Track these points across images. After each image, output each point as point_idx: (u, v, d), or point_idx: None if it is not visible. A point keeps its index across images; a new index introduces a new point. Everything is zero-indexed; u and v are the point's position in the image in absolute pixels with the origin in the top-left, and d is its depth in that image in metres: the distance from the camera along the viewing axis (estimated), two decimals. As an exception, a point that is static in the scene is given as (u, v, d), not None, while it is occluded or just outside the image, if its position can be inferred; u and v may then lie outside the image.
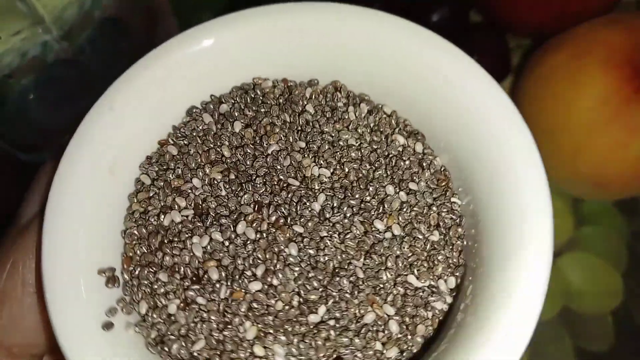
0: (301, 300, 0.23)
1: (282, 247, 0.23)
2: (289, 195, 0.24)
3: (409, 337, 0.23)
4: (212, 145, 0.26)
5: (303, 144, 0.25)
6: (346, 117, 0.26)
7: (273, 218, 0.24)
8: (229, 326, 0.23)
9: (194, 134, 0.26)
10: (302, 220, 0.24)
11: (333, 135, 0.26)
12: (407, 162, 0.26)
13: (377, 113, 0.27)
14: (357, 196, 0.24)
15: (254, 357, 0.23)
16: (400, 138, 0.26)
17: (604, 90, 0.30)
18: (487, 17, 0.42)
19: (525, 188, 0.22)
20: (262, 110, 0.26)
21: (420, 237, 0.24)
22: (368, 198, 0.24)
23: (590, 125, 0.31)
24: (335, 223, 0.24)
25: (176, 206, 0.25)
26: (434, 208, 0.25)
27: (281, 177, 0.25)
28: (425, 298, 0.23)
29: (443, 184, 0.25)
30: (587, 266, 0.38)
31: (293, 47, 0.26)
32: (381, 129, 0.26)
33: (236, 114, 0.26)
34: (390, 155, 0.26)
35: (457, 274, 0.24)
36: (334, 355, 0.23)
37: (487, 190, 0.24)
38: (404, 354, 0.23)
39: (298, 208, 0.24)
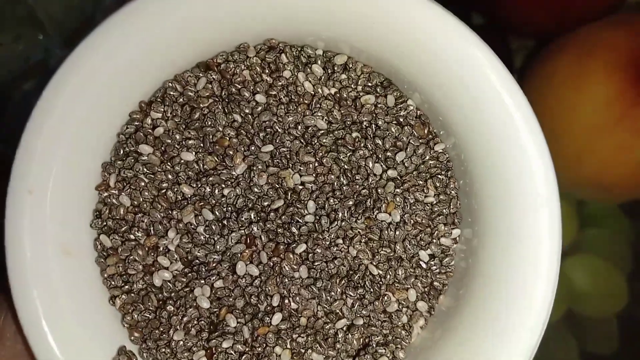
0: (325, 310, 0.23)
1: (291, 274, 0.23)
2: (279, 217, 0.23)
3: (432, 301, 0.24)
4: (167, 185, 0.23)
5: (270, 147, 0.23)
6: (302, 90, 0.23)
7: (270, 248, 0.23)
8: (262, 356, 0.23)
9: (137, 173, 0.23)
10: (301, 238, 0.23)
11: (298, 122, 0.23)
12: (384, 126, 0.23)
13: (332, 70, 0.24)
14: (348, 193, 0.23)
15: None
16: (370, 98, 0.24)
17: (608, 93, 0.30)
18: (489, 19, 0.42)
19: (512, 114, 0.21)
20: (209, 122, 0.23)
21: (419, 207, 0.24)
22: (359, 188, 0.23)
23: (594, 128, 0.31)
24: (338, 229, 0.23)
25: (158, 265, 0.23)
26: (423, 167, 0.24)
27: (265, 203, 0.23)
28: (438, 264, 0.24)
29: (425, 132, 0.24)
30: (591, 268, 0.37)
31: (213, 12, 0.22)
32: (345, 95, 0.24)
33: (177, 137, 0.23)
34: (365, 125, 0.24)
35: (457, 221, 0.24)
36: (367, 341, 0.24)
37: (471, 125, 0.22)
38: (429, 316, 0.24)
39: (293, 229, 0.23)
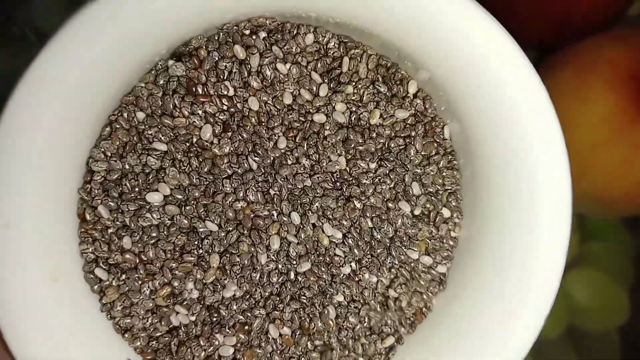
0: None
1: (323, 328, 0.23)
2: (310, 278, 0.23)
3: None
4: (186, 250, 0.22)
5: (298, 219, 0.22)
6: (314, 118, 0.22)
7: (306, 323, 0.23)
8: None
9: (141, 228, 0.22)
10: (335, 288, 0.23)
11: (322, 170, 0.22)
12: (399, 148, 0.23)
13: (337, 80, 0.22)
14: (379, 244, 0.23)
15: None
16: (376, 113, 0.23)
17: (608, 108, 0.30)
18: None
19: (524, 103, 0.21)
20: (217, 180, 0.22)
21: (443, 232, 0.24)
22: (389, 234, 0.23)
23: (594, 144, 0.30)
24: (373, 274, 0.23)
25: (174, 310, 0.22)
26: (440, 181, 0.23)
27: (299, 270, 0.22)
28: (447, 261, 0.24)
29: (431, 123, 0.23)
30: (592, 283, 0.37)
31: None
32: (355, 115, 0.23)
33: (186, 209, 0.22)
34: (382, 151, 0.23)
35: (459, 214, 0.24)
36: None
37: (482, 112, 0.22)
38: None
39: (327, 293, 0.23)
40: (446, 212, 0.24)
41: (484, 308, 0.22)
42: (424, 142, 0.23)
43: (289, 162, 0.22)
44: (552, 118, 0.21)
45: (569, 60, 0.33)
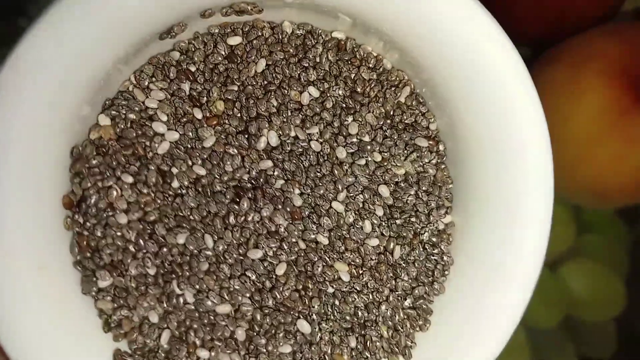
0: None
1: None
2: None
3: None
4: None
5: (354, 342, 0.24)
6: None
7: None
8: None
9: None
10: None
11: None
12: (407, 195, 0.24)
13: (347, 131, 0.23)
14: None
15: None
16: (402, 170, 0.24)
17: (602, 102, 0.30)
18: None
19: (513, 96, 0.21)
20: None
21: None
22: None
23: (588, 137, 0.31)
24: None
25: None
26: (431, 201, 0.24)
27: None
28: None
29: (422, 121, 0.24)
30: (589, 274, 0.37)
31: None
32: (375, 174, 0.23)
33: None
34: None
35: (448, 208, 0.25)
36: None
37: (470, 107, 0.22)
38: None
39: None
40: (453, 221, 0.25)
41: (472, 290, 0.23)
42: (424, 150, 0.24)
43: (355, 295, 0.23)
44: (539, 113, 0.22)
45: (563, 54, 0.33)
